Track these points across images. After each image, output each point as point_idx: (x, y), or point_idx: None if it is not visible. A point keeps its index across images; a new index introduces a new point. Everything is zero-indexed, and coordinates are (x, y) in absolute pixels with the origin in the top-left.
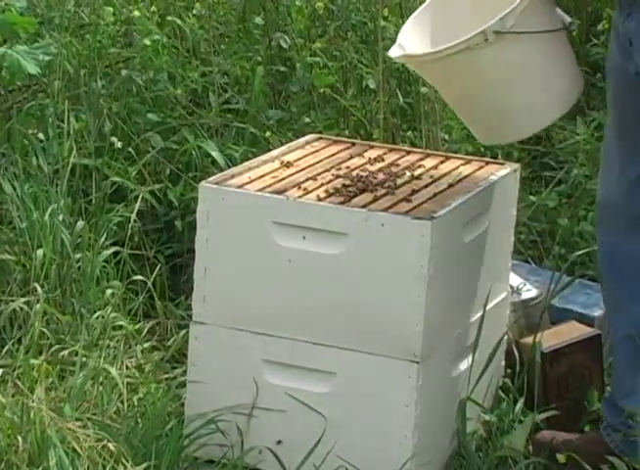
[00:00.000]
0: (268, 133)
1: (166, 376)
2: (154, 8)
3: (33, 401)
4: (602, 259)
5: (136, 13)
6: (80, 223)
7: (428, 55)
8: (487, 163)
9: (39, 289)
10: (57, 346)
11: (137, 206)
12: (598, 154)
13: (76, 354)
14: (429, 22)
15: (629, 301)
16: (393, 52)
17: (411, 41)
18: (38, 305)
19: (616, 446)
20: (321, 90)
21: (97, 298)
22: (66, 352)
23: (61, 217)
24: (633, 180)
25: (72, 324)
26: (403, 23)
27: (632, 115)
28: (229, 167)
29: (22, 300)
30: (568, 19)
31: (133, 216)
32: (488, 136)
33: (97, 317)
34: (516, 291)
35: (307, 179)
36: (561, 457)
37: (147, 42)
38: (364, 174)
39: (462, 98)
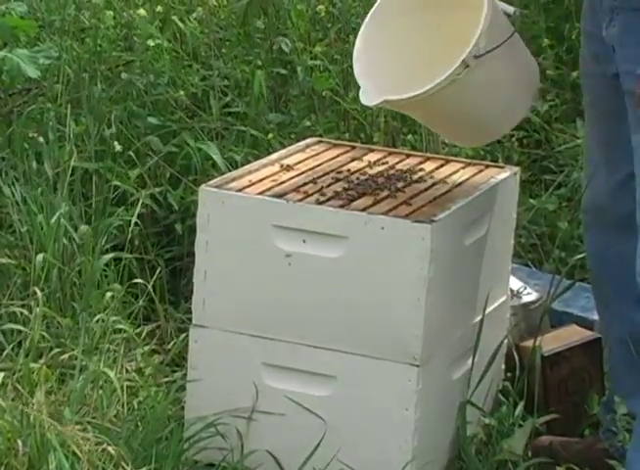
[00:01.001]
0: (269, 136)
1: (166, 379)
2: (159, 8)
3: (33, 405)
4: (591, 263)
5: (142, 11)
6: (84, 227)
7: (412, 97)
8: (487, 166)
9: (39, 292)
10: (57, 349)
11: (137, 209)
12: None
13: (76, 358)
14: (377, 52)
15: (621, 303)
16: (369, 100)
17: (374, 78)
18: (38, 309)
19: (615, 451)
20: (322, 93)
21: (97, 301)
22: (66, 356)
23: (62, 221)
24: (619, 182)
25: (73, 328)
26: None
27: (612, 119)
28: (229, 171)
29: (22, 303)
30: (511, 8)
31: (134, 220)
32: (470, 141)
33: (97, 321)
34: (516, 294)
35: (307, 183)
36: (560, 468)
37: (150, 44)
38: (364, 178)
39: (442, 118)
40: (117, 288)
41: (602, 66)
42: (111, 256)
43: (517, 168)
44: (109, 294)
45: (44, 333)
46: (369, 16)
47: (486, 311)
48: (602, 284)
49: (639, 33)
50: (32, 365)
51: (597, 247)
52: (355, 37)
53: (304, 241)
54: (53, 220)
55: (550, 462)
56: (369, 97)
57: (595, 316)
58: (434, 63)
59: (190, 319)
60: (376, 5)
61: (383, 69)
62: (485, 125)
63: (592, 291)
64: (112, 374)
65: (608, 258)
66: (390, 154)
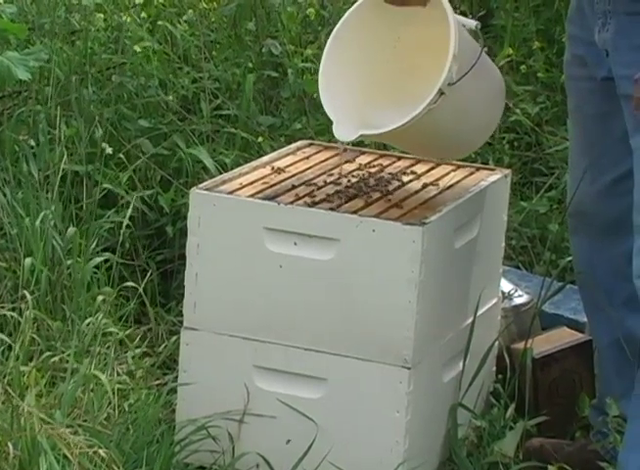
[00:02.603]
0: (260, 138)
1: (157, 382)
2: (144, 14)
3: (24, 408)
4: (578, 267)
5: (127, 19)
6: (72, 230)
7: (386, 132)
8: (478, 168)
9: (28, 295)
10: (47, 352)
11: (129, 212)
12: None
13: (67, 361)
14: (341, 77)
15: (609, 306)
16: (345, 135)
17: (343, 109)
18: (28, 312)
19: (606, 452)
20: (313, 96)
21: (88, 304)
22: (56, 359)
23: (52, 224)
24: (605, 187)
25: (63, 331)
26: None
27: (597, 123)
28: (220, 173)
29: (12, 306)
30: (472, 22)
31: (125, 222)
32: (448, 157)
33: (87, 324)
34: (507, 297)
35: (298, 185)
36: (552, 469)
37: (137, 49)
38: (355, 180)
39: (419, 142)
40: (108, 291)
41: (589, 69)
42: (100, 259)
43: (507, 171)
44: (100, 297)
45: (35, 336)
46: (328, 44)
47: (477, 314)
48: (589, 287)
49: (633, 37)
50: (23, 368)
51: (583, 250)
52: None
53: (296, 243)
54: (37, 223)
55: (541, 464)
56: (343, 132)
57: (585, 318)
58: (401, 77)
59: (181, 322)
60: (334, 31)
61: (349, 93)
62: (463, 141)
63: (580, 294)
64: (103, 377)
65: (594, 261)
66: (381, 156)
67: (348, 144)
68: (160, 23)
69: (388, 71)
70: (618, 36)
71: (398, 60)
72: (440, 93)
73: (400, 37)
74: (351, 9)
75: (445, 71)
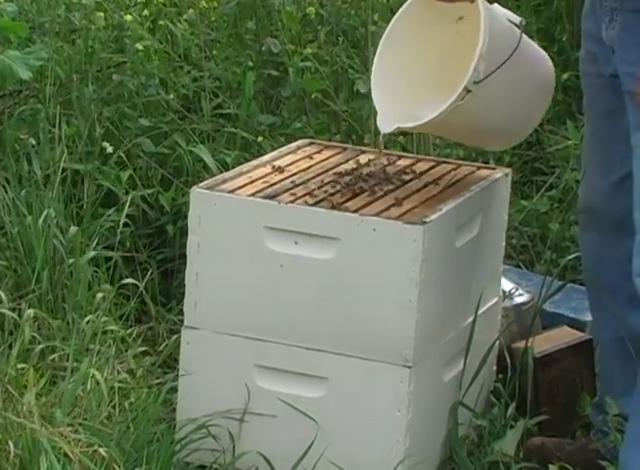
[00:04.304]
0: (260, 138)
1: (158, 381)
2: (146, 12)
3: (24, 407)
4: (586, 263)
5: (128, 17)
6: (73, 229)
7: (420, 126)
8: (479, 167)
9: (30, 294)
10: (48, 351)
11: (125, 210)
12: None
13: (67, 360)
14: (395, 68)
15: (614, 303)
16: (385, 127)
17: (391, 101)
18: (29, 311)
19: (607, 451)
20: (313, 95)
21: (89, 303)
22: (56, 356)
23: (54, 222)
24: (615, 184)
25: (63, 329)
26: None
27: (607, 119)
28: (221, 172)
29: (13, 305)
30: (517, 18)
31: (122, 220)
32: (490, 147)
33: (87, 322)
34: (508, 296)
35: (299, 184)
36: (553, 468)
37: (139, 47)
38: (356, 179)
39: (455, 133)
40: (107, 288)
41: (599, 66)
42: (93, 253)
43: (508, 170)
44: (99, 295)
45: (35, 334)
46: (385, 34)
47: (478, 313)
48: (596, 284)
49: (637, 35)
50: (23, 367)
51: (592, 247)
52: (345, 39)
53: (296, 242)
54: (40, 222)
55: (542, 463)
56: (383, 124)
57: (586, 318)
58: (449, 72)
59: (182, 321)
60: (392, 21)
61: (399, 87)
62: (501, 134)
63: (586, 291)
64: (103, 376)
65: (602, 258)
66: (382, 155)
67: (385, 136)
68: (160, 22)
69: (438, 66)
70: (624, 33)
71: (449, 55)
72: (467, 91)
73: (452, 34)
74: (404, 5)
75: (470, 71)
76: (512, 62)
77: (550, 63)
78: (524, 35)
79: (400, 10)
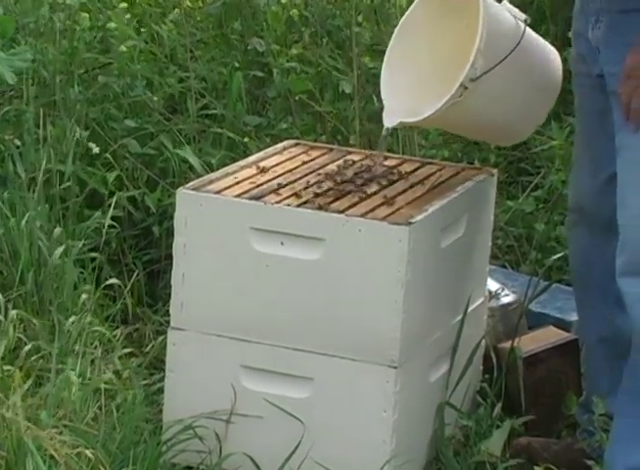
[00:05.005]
0: (246, 139)
1: (144, 382)
2: (128, 16)
3: (9, 409)
4: (574, 263)
5: (112, 24)
6: (58, 230)
7: (420, 121)
8: (464, 168)
9: (14, 295)
10: (33, 351)
11: (110, 211)
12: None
13: (53, 361)
14: (405, 62)
15: (602, 303)
16: (389, 122)
17: (399, 96)
18: (13, 312)
19: (593, 451)
20: (298, 96)
21: (74, 304)
22: (42, 359)
23: (38, 224)
24: (603, 183)
25: (48, 330)
26: (378, 28)
27: (596, 119)
28: (207, 173)
29: None
30: (522, 15)
31: (107, 221)
32: (494, 142)
33: (72, 322)
34: (494, 296)
35: (285, 185)
36: (539, 468)
37: (124, 48)
38: (342, 180)
39: (459, 128)
40: (90, 288)
41: (587, 66)
42: (88, 256)
43: (494, 170)
44: (84, 295)
45: (21, 336)
46: (397, 28)
47: (465, 313)
48: (583, 284)
49: (624, 35)
50: (8, 368)
51: (581, 246)
52: (330, 40)
53: (282, 243)
54: (23, 223)
55: (528, 463)
56: (387, 119)
57: (572, 318)
58: (456, 67)
59: (168, 322)
60: (403, 18)
61: (408, 82)
62: (505, 129)
63: (573, 290)
64: (88, 377)
65: (591, 257)
66: (368, 156)
67: (388, 130)
68: (145, 23)
69: (448, 60)
70: (610, 34)
71: (459, 49)
72: (464, 88)
73: (462, 29)
74: (415, 2)
75: (467, 68)
76: (514, 58)
77: (558, 59)
78: (530, 31)
79: (412, 5)
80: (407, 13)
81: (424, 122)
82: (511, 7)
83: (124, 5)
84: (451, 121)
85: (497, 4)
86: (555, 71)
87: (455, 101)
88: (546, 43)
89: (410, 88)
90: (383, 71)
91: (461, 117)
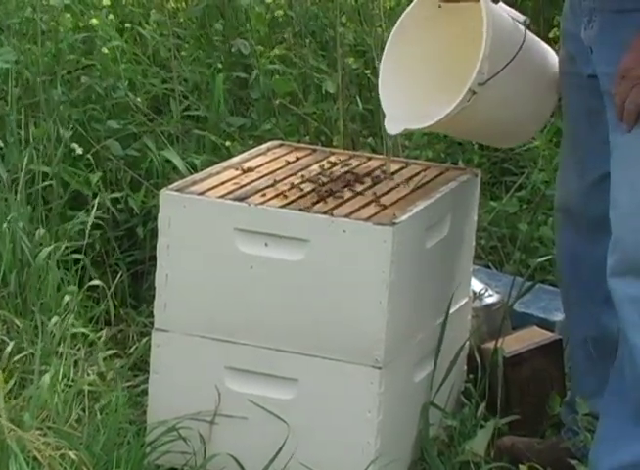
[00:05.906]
0: (228, 142)
1: (128, 384)
2: (111, 16)
3: None
4: (562, 262)
5: (94, 21)
6: (40, 231)
7: (427, 127)
8: (448, 168)
9: None
10: (16, 352)
11: (94, 212)
12: (556, 159)
13: (36, 362)
14: (403, 69)
15: (589, 303)
16: (393, 129)
17: (394, 102)
18: None
19: (577, 450)
20: (279, 99)
21: (57, 305)
22: (25, 360)
23: (20, 225)
24: (591, 184)
25: (30, 331)
26: (362, 29)
27: (585, 119)
28: (190, 174)
29: None
30: (521, 17)
31: (90, 222)
32: (499, 145)
33: (55, 323)
34: (477, 296)
35: (269, 186)
36: (523, 468)
37: (105, 50)
38: (325, 181)
39: (464, 132)
40: (73, 289)
41: (578, 66)
42: (71, 258)
43: (478, 171)
44: (67, 297)
45: (4, 337)
46: (388, 41)
47: (448, 313)
48: (570, 283)
49: (617, 35)
50: None
51: (568, 245)
52: (313, 40)
53: (266, 244)
54: (5, 225)
55: (512, 463)
56: (391, 126)
57: (555, 318)
58: (456, 72)
59: (152, 323)
60: (394, 29)
61: (406, 88)
62: (512, 131)
63: (560, 290)
64: (72, 378)
65: (580, 257)
66: (352, 157)
67: (392, 137)
68: (127, 25)
69: (446, 65)
70: (603, 33)
71: (457, 53)
72: (472, 93)
73: (459, 33)
74: (410, 6)
75: (474, 73)
76: (518, 60)
77: (556, 58)
78: (528, 33)
79: (407, 9)
80: (401, 17)
81: (429, 128)
82: (509, 9)
83: (107, 2)
84: (458, 126)
85: (496, 6)
86: (555, 69)
87: (464, 105)
88: (541, 41)
89: (408, 94)
90: (380, 77)
91: (468, 121)
